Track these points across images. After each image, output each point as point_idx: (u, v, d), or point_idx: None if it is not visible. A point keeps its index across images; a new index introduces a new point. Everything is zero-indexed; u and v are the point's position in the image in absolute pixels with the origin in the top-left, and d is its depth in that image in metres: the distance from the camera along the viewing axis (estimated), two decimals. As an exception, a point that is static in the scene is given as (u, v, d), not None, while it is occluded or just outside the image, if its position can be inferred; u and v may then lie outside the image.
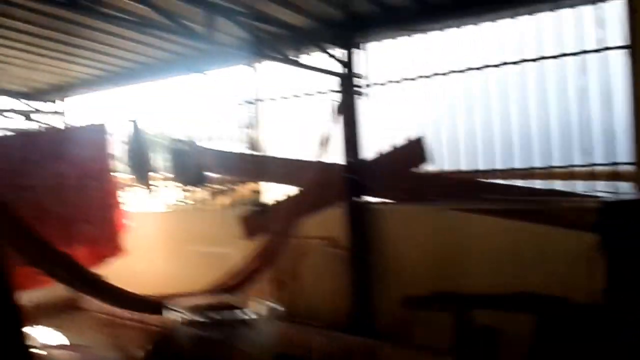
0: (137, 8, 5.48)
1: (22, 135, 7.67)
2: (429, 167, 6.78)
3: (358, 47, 7.00)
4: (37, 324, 6.97)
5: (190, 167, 7.92)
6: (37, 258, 5.35)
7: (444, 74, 6.68)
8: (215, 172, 8.36)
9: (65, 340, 6.76)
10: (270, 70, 7.77)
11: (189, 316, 4.76)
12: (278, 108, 7.87)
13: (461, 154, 6.63)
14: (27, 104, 9.77)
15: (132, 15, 5.70)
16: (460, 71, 6.59)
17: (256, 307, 5.28)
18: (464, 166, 6.59)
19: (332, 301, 6.97)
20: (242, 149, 8.14)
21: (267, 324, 4.95)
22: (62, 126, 9.62)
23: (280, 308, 4.90)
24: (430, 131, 6.77)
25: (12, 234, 5.14)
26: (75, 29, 6.52)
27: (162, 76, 8.50)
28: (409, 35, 6.78)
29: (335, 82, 7.01)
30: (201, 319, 4.70)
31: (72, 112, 10.05)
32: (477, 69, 6.46)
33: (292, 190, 7.31)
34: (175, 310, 4.80)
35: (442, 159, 6.75)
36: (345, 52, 6.97)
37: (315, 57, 7.12)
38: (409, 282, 6.45)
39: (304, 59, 6.98)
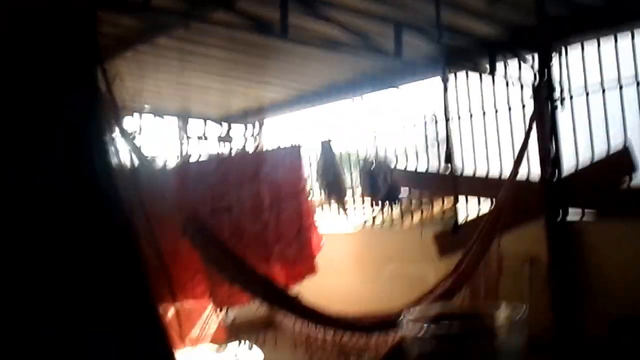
0: (326, 29, 5.53)
1: (219, 158, 7.96)
2: (637, 179, 6.29)
3: (553, 54, 6.62)
4: (237, 340, 7.18)
5: (383, 185, 7.86)
6: (237, 277, 5.49)
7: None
8: (407, 190, 8.27)
9: (262, 357, 6.88)
10: (461, 83, 7.57)
11: (418, 328, 4.18)
12: (470, 121, 7.64)
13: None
14: (223, 128, 10.18)
15: (321, 36, 5.76)
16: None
17: (496, 312, 4.69)
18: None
19: (533, 323, 6.62)
20: (434, 165, 7.99)
21: (513, 331, 4.20)
22: (257, 148, 9.93)
23: (523, 309, 4.06)
24: (637, 139, 6.29)
25: (213, 254, 5.34)
26: (266, 53, 6.69)
27: (352, 94, 8.51)
28: (608, 38, 6.34)
29: (529, 92, 6.69)
30: (436, 331, 4.06)
31: (267, 134, 10.36)
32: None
33: (488, 207, 7.05)
34: (403, 322, 4.30)
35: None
36: (539, 59, 6.63)
37: (508, 67, 6.84)
38: (618, 303, 5.95)
39: (496, 69, 6.72)
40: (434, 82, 7.70)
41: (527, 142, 6.42)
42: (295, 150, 6.99)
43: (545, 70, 6.57)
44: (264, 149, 9.15)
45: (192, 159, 8.78)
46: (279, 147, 7.24)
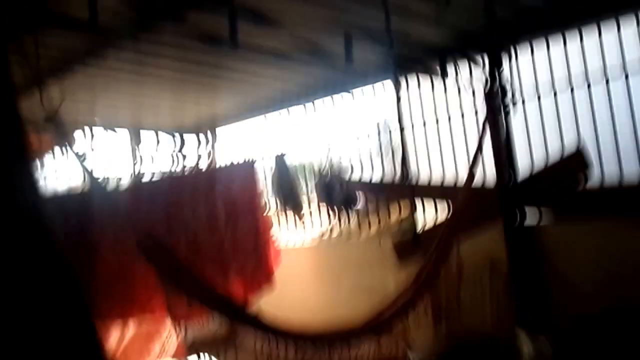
0: (275, 39, 5.49)
1: (173, 177, 7.86)
2: (591, 180, 6.35)
3: (503, 57, 6.66)
4: (197, 356, 7.08)
5: (339, 196, 7.83)
6: (195, 294, 5.42)
7: (603, 78, 6.28)
8: (363, 199, 8.24)
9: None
10: (413, 90, 7.58)
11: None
12: (424, 128, 7.65)
13: (623, 163, 6.20)
14: (177, 139, 10.08)
15: (271, 45, 5.72)
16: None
17: (518, 343, 4.34)
18: (627, 177, 6.15)
19: (494, 325, 6.65)
20: (390, 173, 7.98)
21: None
22: (211, 158, 9.86)
23: (546, 344, 3.66)
24: (589, 141, 6.35)
25: (170, 272, 5.25)
26: (217, 62, 6.60)
27: (304, 101, 8.52)
28: (557, 39, 6.41)
29: (481, 97, 6.72)
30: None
31: (220, 143, 10.28)
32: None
33: (445, 213, 7.05)
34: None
35: (604, 170, 6.32)
36: (489, 63, 6.66)
37: (459, 72, 6.86)
38: (578, 302, 6.02)
39: (447, 75, 6.74)
40: (386, 88, 7.71)
41: (481, 147, 6.44)
42: (249, 166, 6.92)
43: (496, 74, 6.60)
44: (218, 165, 9.06)
45: (146, 178, 8.65)
46: (232, 163, 7.15)
